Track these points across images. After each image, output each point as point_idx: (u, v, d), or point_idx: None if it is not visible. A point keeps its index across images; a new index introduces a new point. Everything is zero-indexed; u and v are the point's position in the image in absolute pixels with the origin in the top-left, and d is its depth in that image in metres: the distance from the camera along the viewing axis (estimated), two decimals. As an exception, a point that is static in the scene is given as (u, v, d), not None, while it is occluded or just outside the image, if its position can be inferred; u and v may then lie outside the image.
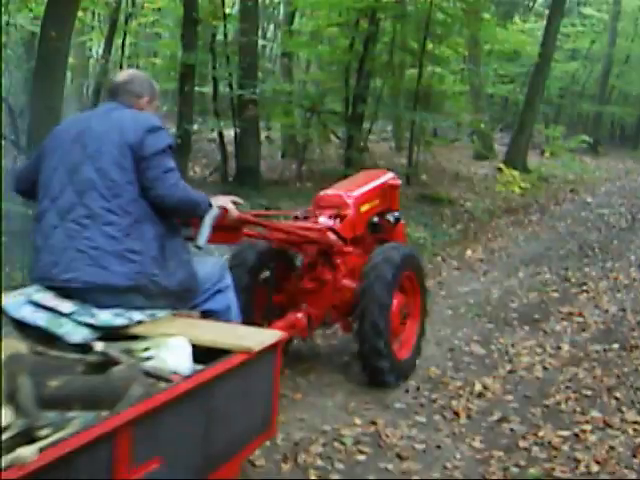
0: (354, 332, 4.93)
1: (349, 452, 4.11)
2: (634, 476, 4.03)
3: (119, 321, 3.03)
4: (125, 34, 16.96)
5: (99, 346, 2.75)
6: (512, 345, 6.13)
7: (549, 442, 4.39)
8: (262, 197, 10.17)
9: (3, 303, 3.00)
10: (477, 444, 4.33)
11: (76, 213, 3.11)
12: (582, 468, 4.09)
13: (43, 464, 1.82)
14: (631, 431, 4.58)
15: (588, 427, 4.62)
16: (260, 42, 16.81)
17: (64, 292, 3.06)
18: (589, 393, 5.18)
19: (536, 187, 15.74)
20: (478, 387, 5.17)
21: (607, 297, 7.80)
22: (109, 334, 2.97)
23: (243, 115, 11.88)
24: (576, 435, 4.50)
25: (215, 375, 2.66)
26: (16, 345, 2.51)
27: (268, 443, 4.09)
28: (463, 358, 5.78)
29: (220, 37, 13.28)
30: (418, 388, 5.09)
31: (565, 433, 4.52)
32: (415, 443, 4.28)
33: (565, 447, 4.34)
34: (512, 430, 4.55)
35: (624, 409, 4.93)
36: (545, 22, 18.80)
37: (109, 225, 3.07)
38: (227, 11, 14.98)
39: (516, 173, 15.23)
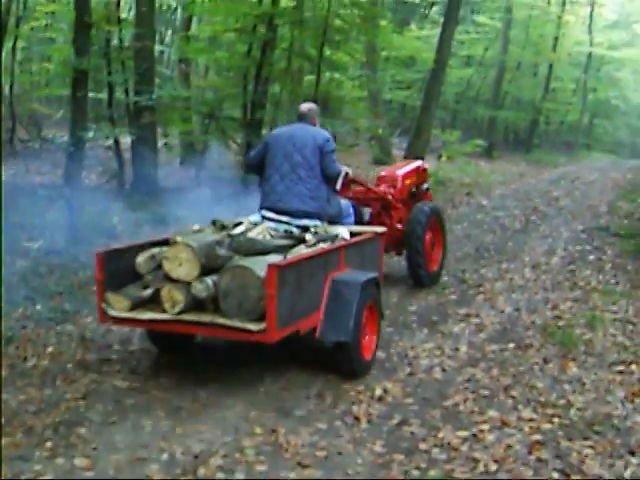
0: (405, 257, 8.28)
1: (250, 463, 4.06)
2: (531, 472, 4.12)
3: (312, 224, 6.11)
4: (16, 38, 16.45)
5: (313, 229, 5.99)
6: (411, 348, 6.18)
7: (448, 443, 4.44)
8: (159, 204, 9.99)
9: (250, 218, 6.18)
10: (378, 448, 4.34)
11: (290, 177, 6.22)
12: (481, 467, 4.15)
13: (328, 250, 5.50)
14: (527, 429, 4.68)
15: (486, 427, 4.69)
16: (157, 47, 16.59)
17: (282, 213, 6.14)
18: (486, 393, 5.26)
19: (433, 191, 16.00)
20: (378, 391, 5.19)
21: (503, 298, 7.96)
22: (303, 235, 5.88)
23: (139, 122, 11.66)
24: (474, 435, 4.56)
25: (364, 238, 6.23)
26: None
27: (166, 457, 4.05)
28: (364, 362, 5.79)
29: (116, 42, 13.02)
30: (319, 394, 5.08)
31: (464, 434, 4.57)
32: (316, 450, 4.26)
33: (464, 447, 4.39)
34: (412, 433, 4.58)
35: (520, 407, 5.03)
36: (440, 29, 19.16)
37: (308, 183, 6.21)
38: (123, 16, 14.72)
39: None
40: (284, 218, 6.10)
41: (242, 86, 14.15)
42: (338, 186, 6.45)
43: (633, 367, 5.88)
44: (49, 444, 4.20)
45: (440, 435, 4.54)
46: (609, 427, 4.75)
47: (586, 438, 4.57)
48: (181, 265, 4.98)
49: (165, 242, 5.41)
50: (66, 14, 17.13)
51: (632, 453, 4.40)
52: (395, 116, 28.59)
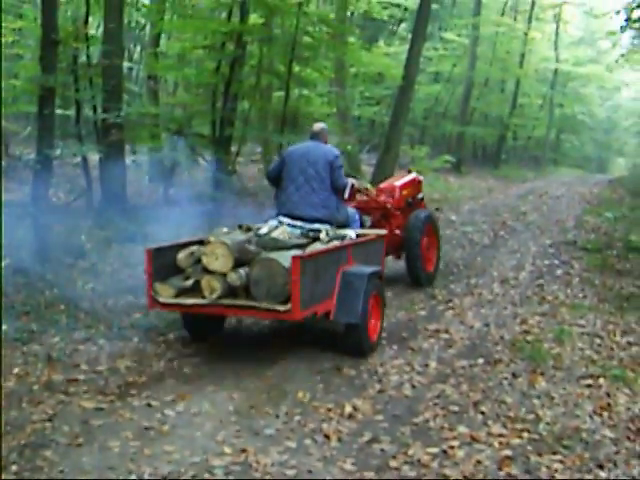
0: (405, 260, 9.21)
1: (219, 483, 4.02)
2: (500, 488, 4.12)
3: (323, 228, 6.91)
4: (-19, 55, 16.27)
5: (325, 232, 6.81)
6: (381, 364, 6.18)
7: (419, 460, 4.43)
8: (128, 222, 9.93)
9: (269, 223, 6.97)
10: (348, 466, 4.32)
11: (305, 188, 7.13)
12: (451, 484, 4.15)
13: (338, 247, 6.52)
14: (497, 444, 4.69)
15: (456, 443, 4.69)
16: (126, 64, 16.50)
17: (297, 219, 6.97)
18: (456, 409, 5.27)
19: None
20: (348, 409, 5.17)
21: (472, 313, 8.00)
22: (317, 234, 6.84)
23: (107, 139, 11.59)
24: (444, 451, 4.56)
25: (369, 239, 7.20)
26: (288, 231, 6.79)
27: (134, 479, 4.01)
28: (333, 380, 5.78)
29: (84, 59, 12.94)
30: (288, 413, 5.05)
31: (434, 450, 4.57)
32: (286, 469, 4.23)
33: (434, 464, 4.39)
34: (382, 450, 4.57)
35: (490, 423, 5.04)
36: (408, 46, 19.24)
37: (320, 194, 7.12)
38: (91, 32, 14.65)
39: (383, 193, 15.48)
40: (299, 223, 6.96)
41: (211, 103, 14.14)
42: (346, 196, 7.43)
43: (601, 381, 5.93)
44: (14, 467, 4.13)
45: (410, 452, 4.53)
46: (578, 441, 4.78)
47: (555, 452, 4.59)
48: (217, 259, 5.99)
49: (200, 242, 6.45)
50: (33, 31, 16.98)
51: (601, 467, 4.44)
52: (364, 132, 28.66)
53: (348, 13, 24.09)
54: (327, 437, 4.70)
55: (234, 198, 13.46)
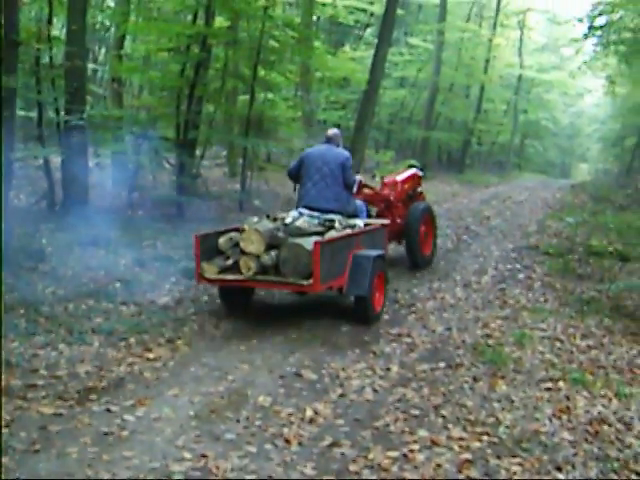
0: (404, 246, 10.48)
1: (178, 488, 3.99)
2: (459, 492, 4.14)
3: (336, 218, 8.05)
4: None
5: (338, 221, 8.05)
6: (343, 369, 6.16)
7: (379, 464, 4.44)
8: (90, 226, 9.83)
9: (291, 213, 8.23)
10: (309, 471, 4.32)
11: (320, 184, 8.25)
12: (410, 488, 4.15)
13: (349, 234, 7.83)
14: (457, 447, 4.71)
15: (416, 446, 4.71)
16: (90, 66, 16.36)
17: (314, 210, 8.12)
18: (417, 413, 5.29)
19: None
20: (309, 413, 5.16)
21: (434, 317, 8.04)
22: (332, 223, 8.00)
23: (70, 141, 11.46)
24: (405, 455, 4.58)
25: (374, 227, 8.56)
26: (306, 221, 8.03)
27: (91, 484, 3.96)
28: (295, 384, 5.75)
29: (47, 60, 12.80)
30: (248, 418, 5.03)
31: (394, 454, 4.58)
32: (246, 474, 4.21)
33: (394, 468, 4.40)
34: (343, 454, 4.56)
35: (450, 426, 5.07)
36: (374, 51, 19.32)
37: (333, 189, 8.26)
38: (56, 33, 14.50)
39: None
40: (316, 214, 8.12)
41: (175, 106, 14.05)
42: (354, 190, 8.65)
43: (560, 384, 6.01)
44: (-31, 474, 4.06)
45: (370, 456, 4.54)
46: (537, 444, 4.83)
47: (514, 455, 4.64)
48: (252, 243, 7.31)
49: (236, 229, 7.83)
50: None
51: (559, 469, 4.49)
52: (330, 136, 28.70)
53: (314, 17, 24.15)
54: (288, 442, 4.68)
55: (198, 202, 13.41)
